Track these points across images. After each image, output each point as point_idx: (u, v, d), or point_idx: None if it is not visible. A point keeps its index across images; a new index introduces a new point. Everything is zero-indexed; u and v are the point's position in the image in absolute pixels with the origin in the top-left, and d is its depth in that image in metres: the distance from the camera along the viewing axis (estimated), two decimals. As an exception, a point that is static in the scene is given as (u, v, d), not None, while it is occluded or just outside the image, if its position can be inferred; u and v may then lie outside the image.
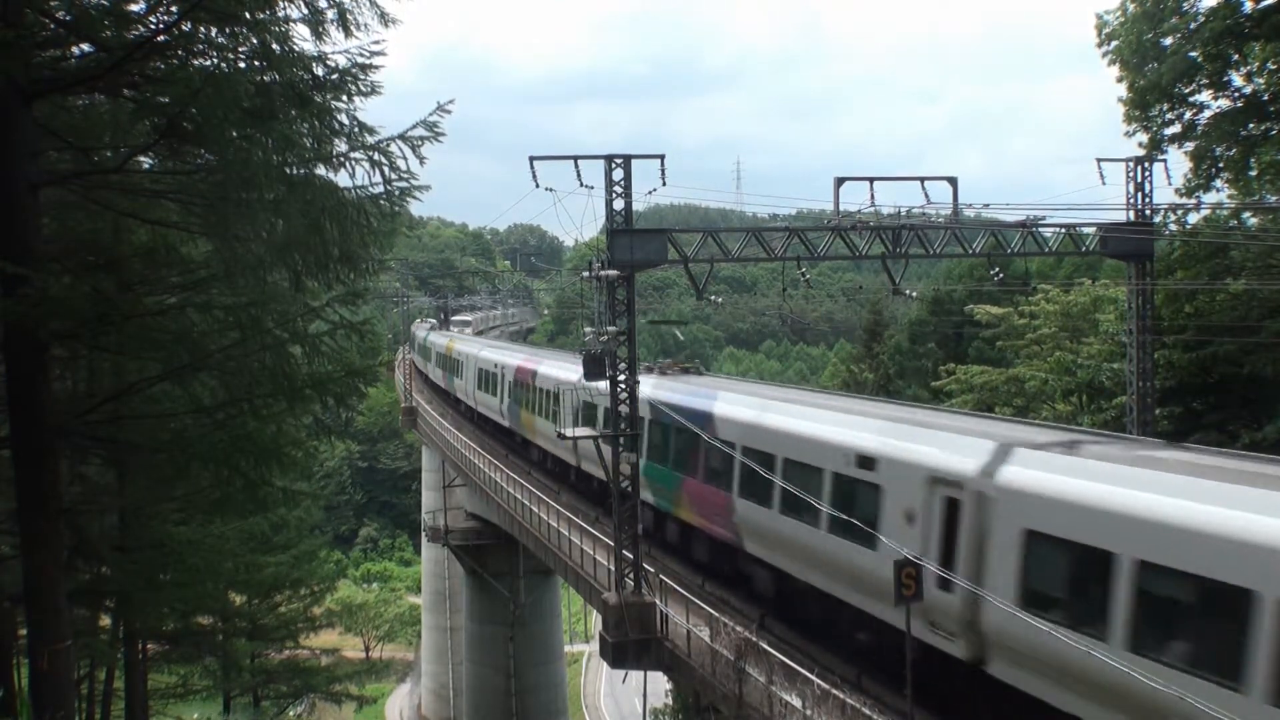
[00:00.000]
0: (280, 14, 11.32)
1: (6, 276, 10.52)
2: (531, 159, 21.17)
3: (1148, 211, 25.38)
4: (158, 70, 11.13)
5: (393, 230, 14.05)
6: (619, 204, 20.78)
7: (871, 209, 22.31)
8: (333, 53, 11.72)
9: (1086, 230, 24.97)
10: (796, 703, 16.39)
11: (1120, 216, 25.05)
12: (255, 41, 11.12)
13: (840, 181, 22.49)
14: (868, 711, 15.47)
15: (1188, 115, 29.08)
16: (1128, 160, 25.31)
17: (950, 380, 40.57)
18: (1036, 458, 14.55)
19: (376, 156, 12.07)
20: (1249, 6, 26.80)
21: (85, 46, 11.88)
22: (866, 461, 17.22)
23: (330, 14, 11.53)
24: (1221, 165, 28.40)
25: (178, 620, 27.90)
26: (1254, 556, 10.96)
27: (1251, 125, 28.00)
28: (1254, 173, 28.33)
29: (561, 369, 34.55)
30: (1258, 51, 27.40)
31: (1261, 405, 27.57)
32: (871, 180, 22.36)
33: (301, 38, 11.57)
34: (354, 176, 12.22)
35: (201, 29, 10.97)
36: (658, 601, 21.51)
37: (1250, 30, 26.75)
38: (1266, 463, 13.77)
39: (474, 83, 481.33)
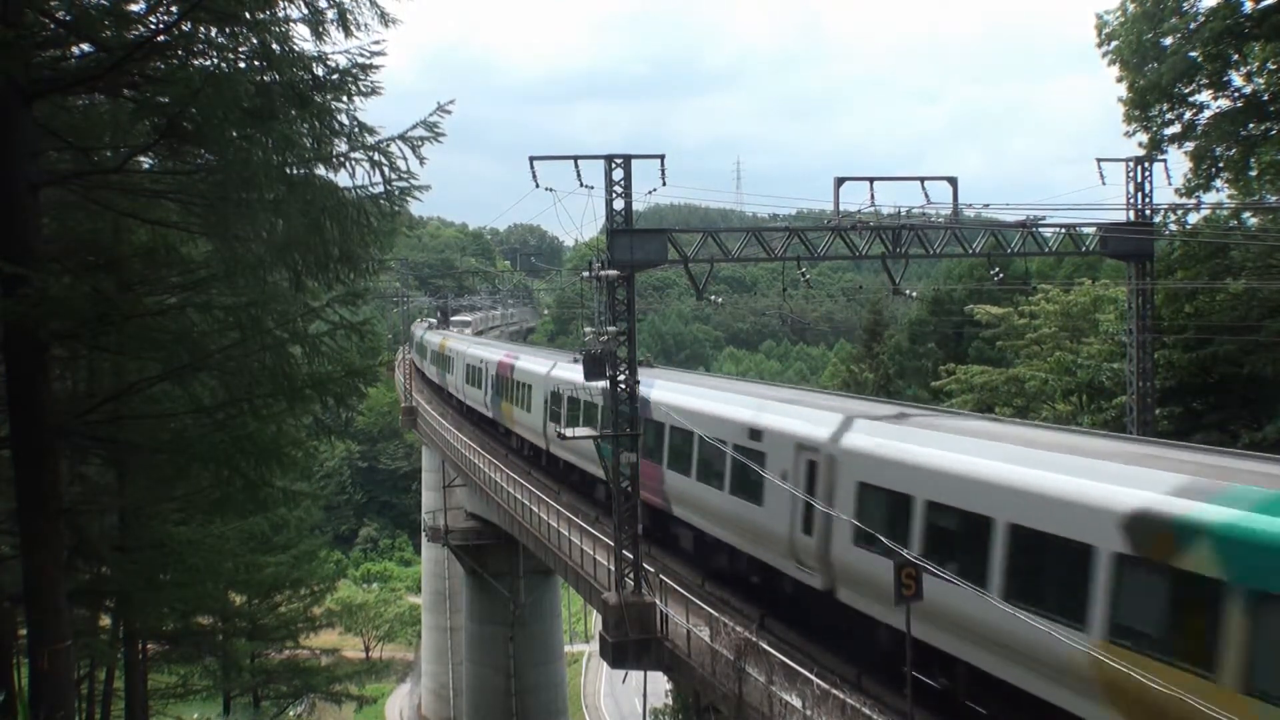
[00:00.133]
0: (280, 14, 11.32)
1: (6, 276, 10.52)
2: (531, 159, 21.25)
3: (1148, 211, 25.40)
4: (158, 70, 11.12)
5: (393, 230, 14.10)
6: (619, 204, 20.80)
7: (871, 209, 22.37)
8: (333, 53, 11.73)
9: (1086, 230, 25.01)
10: (796, 703, 16.41)
11: (1120, 216, 25.08)
12: (255, 41, 11.12)
13: (840, 181, 22.54)
14: (868, 711, 15.50)
15: (1188, 115, 29.11)
16: (1128, 160, 25.33)
17: (950, 380, 40.58)
18: (870, 426, 18.12)
19: (376, 156, 12.06)
20: (1249, 6, 26.82)
21: (85, 46, 11.87)
22: (756, 434, 20.92)
23: (330, 14, 11.53)
24: (1221, 165, 28.42)
25: (178, 620, 27.88)
26: (991, 492, 14.60)
27: (1251, 125, 28.02)
28: (1254, 173, 28.35)
29: (536, 363, 37.74)
30: (1258, 51, 27.41)
31: (1261, 405, 27.57)
32: (871, 180, 22.41)
33: (301, 38, 11.59)
34: (354, 176, 12.23)
35: (201, 29, 10.96)
36: (658, 601, 21.52)
37: (1250, 30, 26.77)
38: (1031, 428, 18.43)
39: (474, 83, 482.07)
